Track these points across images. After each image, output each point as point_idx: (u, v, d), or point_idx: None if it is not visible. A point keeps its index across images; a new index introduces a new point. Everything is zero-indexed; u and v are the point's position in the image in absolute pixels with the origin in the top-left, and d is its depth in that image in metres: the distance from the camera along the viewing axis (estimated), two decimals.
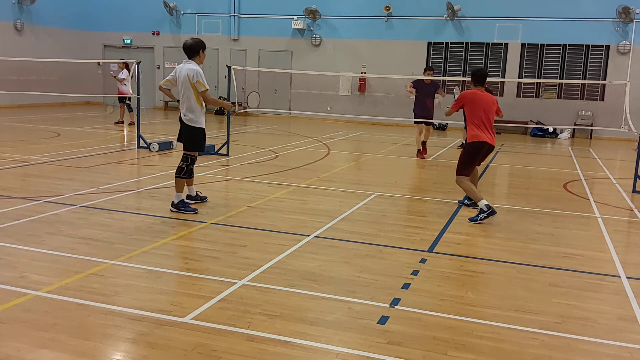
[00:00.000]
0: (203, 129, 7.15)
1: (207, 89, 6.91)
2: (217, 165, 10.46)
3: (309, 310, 4.31)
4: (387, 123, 20.67)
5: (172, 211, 6.95)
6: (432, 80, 12.63)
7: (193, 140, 7.09)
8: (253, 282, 4.78)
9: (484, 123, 7.40)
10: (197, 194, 7.50)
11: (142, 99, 12.85)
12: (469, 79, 7.71)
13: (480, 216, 7.08)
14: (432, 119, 12.67)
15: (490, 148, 7.49)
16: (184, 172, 7.05)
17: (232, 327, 3.92)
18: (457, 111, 7.71)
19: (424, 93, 12.48)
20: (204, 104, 7.05)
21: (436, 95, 12.50)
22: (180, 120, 7.11)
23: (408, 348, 3.75)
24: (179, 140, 7.25)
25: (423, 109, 12.48)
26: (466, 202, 7.99)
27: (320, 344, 3.76)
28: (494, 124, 7.56)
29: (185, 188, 7.28)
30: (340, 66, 21.51)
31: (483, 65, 20.39)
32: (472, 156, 7.49)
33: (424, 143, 13.04)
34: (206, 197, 7.61)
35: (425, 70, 13.00)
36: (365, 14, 21.36)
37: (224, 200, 8.03)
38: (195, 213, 6.92)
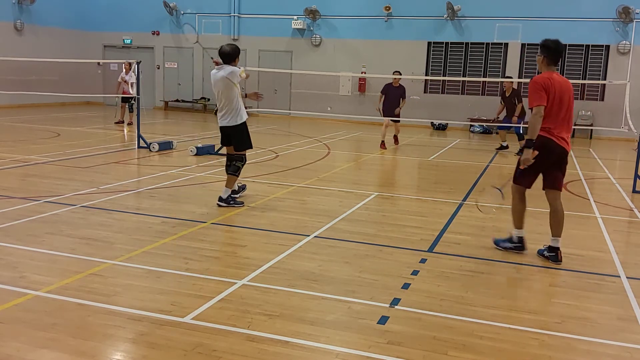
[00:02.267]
0: (245, 123, 7.33)
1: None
2: (217, 165, 10.45)
3: (309, 310, 4.31)
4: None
5: (219, 206, 7.23)
6: (400, 84, 14.28)
7: (245, 139, 7.31)
8: (253, 282, 4.78)
9: (557, 121, 5.50)
10: (238, 187, 7.83)
11: (142, 99, 12.85)
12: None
13: (505, 244, 5.95)
14: (399, 117, 14.31)
15: (563, 155, 5.59)
16: (239, 171, 7.35)
17: (232, 327, 3.92)
18: (546, 104, 5.42)
19: (393, 95, 14.15)
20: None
21: (401, 101, 14.18)
22: (223, 126, 7.28)
23: (408, 348, 3.75)
24: (224, 144, 7.47)
25: (391, 109, 14.09)
26: (545, 253, 5.82)
27: (320, 344, 3.76)
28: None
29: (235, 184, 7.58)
30: (340, 66, 21.50)
31: (483, 65, 20.40)
32: (537, 159, 5.53)
33: (395, 136, 14.76)
34: (245, 185, 8.06)
35: (394, 73, 14.43)
36: (365, 14, 21.36)
37: None
38: (243, 205, 7.33)
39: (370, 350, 3.70)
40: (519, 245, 5.88)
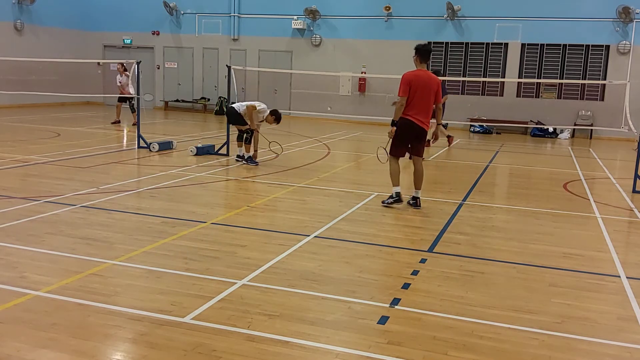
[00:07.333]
0: None
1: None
2: (217, 165, 10.46)
3: (309, 310, 4.31)
4: (387, 123, 20.54)
5: (237, 160, 10.49)
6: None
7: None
8: (253, 282, 4.78)
9: (419, 107, 7.31)
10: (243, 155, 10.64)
11: (142, 99, 12.84)
12: (419, 58, 7.41)
13: (388, 200, 7.68)
14: None
15: (421, 132, 7.47)
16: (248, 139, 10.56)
17: (232, 327, 3.92)
18: (408, 95, 7.33)
19: None
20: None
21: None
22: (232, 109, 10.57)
23: (408, 348, 3.75)
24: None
25: None
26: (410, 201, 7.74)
27: (320, 344, 3.76)
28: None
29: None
30: (340, 66, 21.50)
31: (483, 65, 20.42)
32: (400, 134, 7.49)
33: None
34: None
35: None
36: (365, 14, 21.35)
37: (224, 200, 8.04)
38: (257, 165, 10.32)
39: (370, 350, 3.70)
40: (397, 199, 7.65)
